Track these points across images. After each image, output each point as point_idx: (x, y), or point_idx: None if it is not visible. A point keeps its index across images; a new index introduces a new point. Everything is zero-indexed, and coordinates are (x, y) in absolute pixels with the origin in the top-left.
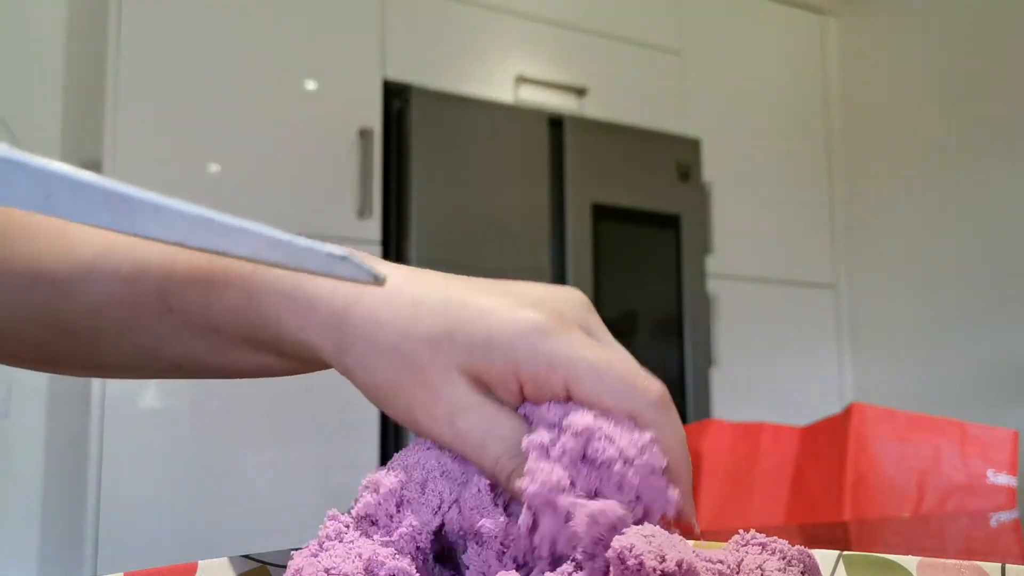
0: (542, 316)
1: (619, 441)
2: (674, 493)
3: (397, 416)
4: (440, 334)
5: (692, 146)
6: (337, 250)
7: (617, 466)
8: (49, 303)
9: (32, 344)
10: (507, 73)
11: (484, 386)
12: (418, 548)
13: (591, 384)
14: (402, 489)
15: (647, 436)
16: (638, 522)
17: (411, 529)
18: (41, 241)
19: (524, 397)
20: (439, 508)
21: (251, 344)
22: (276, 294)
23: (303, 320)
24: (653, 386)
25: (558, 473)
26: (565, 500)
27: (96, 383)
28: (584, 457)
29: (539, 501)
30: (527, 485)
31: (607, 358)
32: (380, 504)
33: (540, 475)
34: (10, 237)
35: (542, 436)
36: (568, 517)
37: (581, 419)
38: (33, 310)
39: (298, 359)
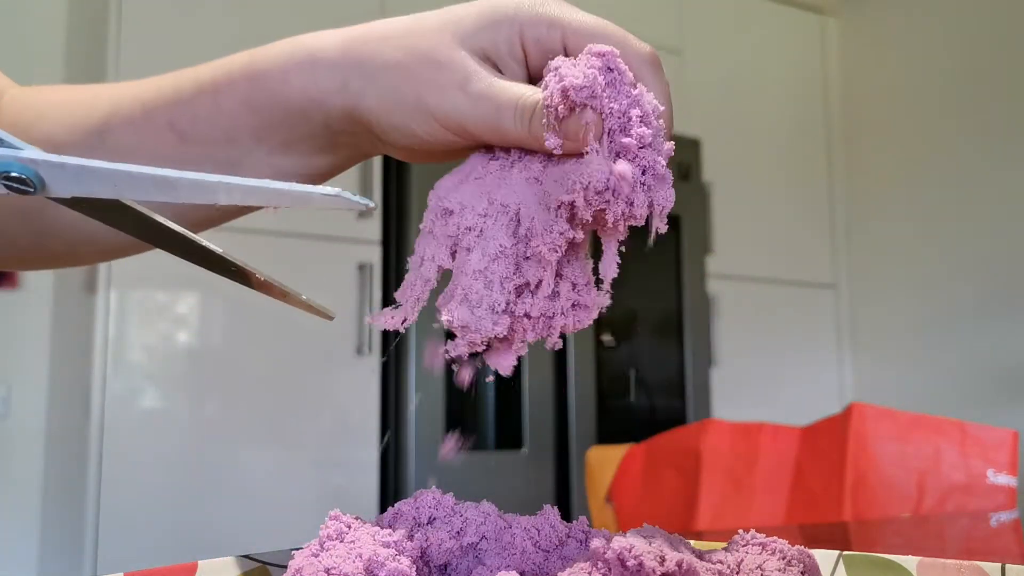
0: None
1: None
2: (670, 144)
3: (406, 116)
4: (446, 22)
5: (692, 146)
6: (330, 189)
7: (645, 103)
8: None
9: (59, 230)
10: None
11: (491, 64)
12: (427, 563)
13: (589, 38)
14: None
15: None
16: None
17: (425, 541)
18: (51, 119)
19: (528, 71)
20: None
21: (263, 142)
22: (278, 63)
23: (308, 74)
24: (645, 45)
25: (598, 78)
26: (596, 111)
27: (96, 383)
28: (608, 84)
29: (584, 95)
30: (571, 79)
31: (601, 20)
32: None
33: (581, 74)
34: (23, 124)
35: (564, 62)
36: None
37: (596, 47)
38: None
39: (307, 135)
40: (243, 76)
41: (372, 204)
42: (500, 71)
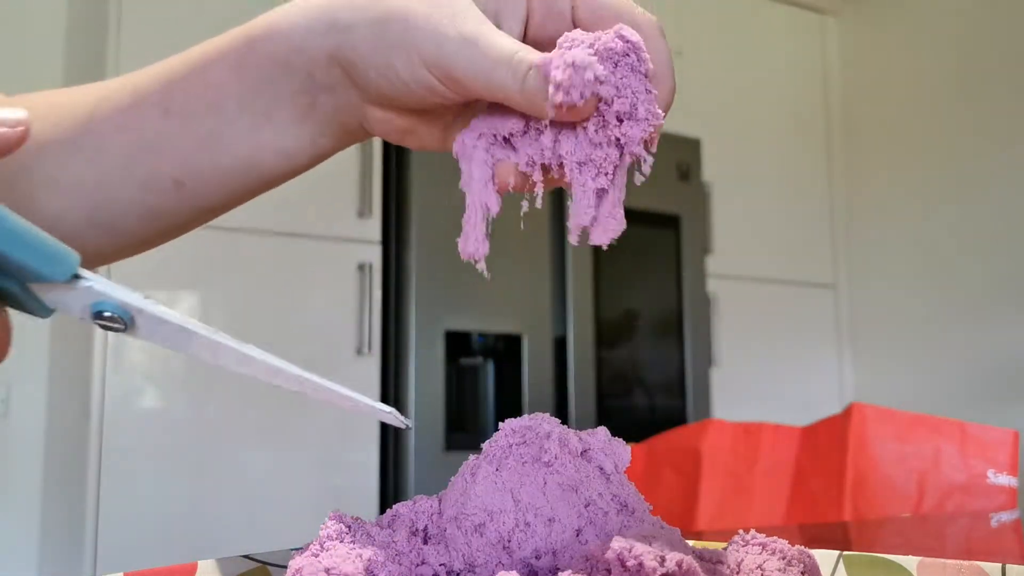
0: None
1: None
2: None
3: (390, 52)
4: None
5: (692, 146)
6: (381, 406)
7: (650, 81)
8: (58, 168)
9: (50, 228)
10: None
11: (492, 16)
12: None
13: (597, 7)
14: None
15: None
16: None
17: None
18: (40, 117)
19: (526, 32)
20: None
21: (246, 110)
22: (268, 20)
23: (297, 20)
24: (650, 14)
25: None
26: (606, 91)
27: (96, 382)
28: (620, 63)
29: (605, 90)
30: (569, 56)
31: None
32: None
33: (578, 54)
34: None
35: (575, 33)
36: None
37: (626, 30)
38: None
39: (289, 93)
40: (239, 42)
41: (409, 424)
42: (499, 27)
